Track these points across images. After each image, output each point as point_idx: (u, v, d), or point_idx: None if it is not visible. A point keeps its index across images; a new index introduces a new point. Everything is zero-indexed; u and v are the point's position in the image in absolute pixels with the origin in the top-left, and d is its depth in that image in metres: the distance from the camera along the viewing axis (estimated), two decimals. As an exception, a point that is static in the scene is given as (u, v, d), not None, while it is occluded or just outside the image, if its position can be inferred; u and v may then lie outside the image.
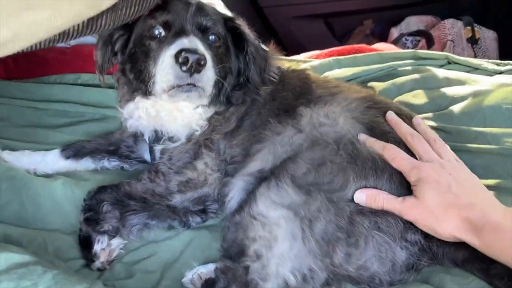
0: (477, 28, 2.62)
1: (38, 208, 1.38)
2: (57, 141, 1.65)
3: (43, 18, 0.61)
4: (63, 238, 1.33)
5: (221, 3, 2.59)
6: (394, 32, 2.79)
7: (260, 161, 1.23)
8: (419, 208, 1.00)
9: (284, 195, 1.11)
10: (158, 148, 1.40)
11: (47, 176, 1.51)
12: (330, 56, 1.85)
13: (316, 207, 1.07)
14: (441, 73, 1.55)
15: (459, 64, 1.64)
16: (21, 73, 1.91)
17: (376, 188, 1.08)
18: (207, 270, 1.20)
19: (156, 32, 1.23)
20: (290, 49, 2.35)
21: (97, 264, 1.26)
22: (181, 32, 1.20)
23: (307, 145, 1.16)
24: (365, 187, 1.08)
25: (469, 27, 2.54)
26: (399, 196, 1.06)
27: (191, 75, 1.13)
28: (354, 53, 1.83)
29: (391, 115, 1.21)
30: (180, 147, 1.35)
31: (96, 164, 1.58)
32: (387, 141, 1.15)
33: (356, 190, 1.07)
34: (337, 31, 3.11)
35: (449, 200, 0.98)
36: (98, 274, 1.26)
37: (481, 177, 1.22)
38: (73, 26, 0.86)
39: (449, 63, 1.68)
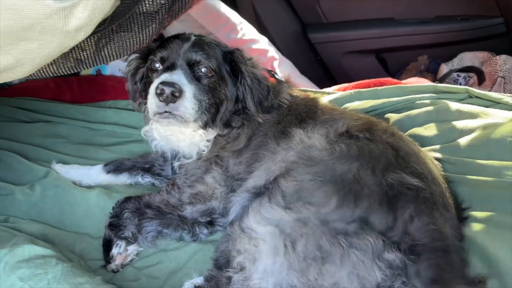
0: (533, 65, 2.47)
1: (74, 214, 1.58)
2: (104, 157, 1.88)
3: (34, 47, 0.79)
4: (90, 241, 1.52)
5: (266, 40, 2.76)
6: (444, 68, 2.72)
7: (255, 178, 1.33)
8: None
9: (274, 211, 1.17)
10: (176, 164, 1.56)
11: (89, 187, 1.73)
12: (356, 88, 1.89)
13: (303, 225, 1.12)
14: (455, 106, 1.53)
15: (480, 98, 1.60)
16: (83, 97, 2.20)
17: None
18: (202, 280, 1.29)
19: (157, 65, 1.42)
20: (341, 83, 2.35)
21: (112, 266, 1.42)
22: (171, 66, 1.37)
23: (296, 162, 1.23)
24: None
25: (523, 64, 2.42)
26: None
27: (167, 104, 1.30)
28: (378, 86, 1.85)
29: None
30: (193, 163, 1.49)
31: (132, 179, 1.77)
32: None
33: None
34: (390, 66, 3.10)
35: None
36: (111, 275, 1.41)
37: (478, 209, 1.20)
38: (83, 55, 1.03)
39: (470, 97, 1.64)
